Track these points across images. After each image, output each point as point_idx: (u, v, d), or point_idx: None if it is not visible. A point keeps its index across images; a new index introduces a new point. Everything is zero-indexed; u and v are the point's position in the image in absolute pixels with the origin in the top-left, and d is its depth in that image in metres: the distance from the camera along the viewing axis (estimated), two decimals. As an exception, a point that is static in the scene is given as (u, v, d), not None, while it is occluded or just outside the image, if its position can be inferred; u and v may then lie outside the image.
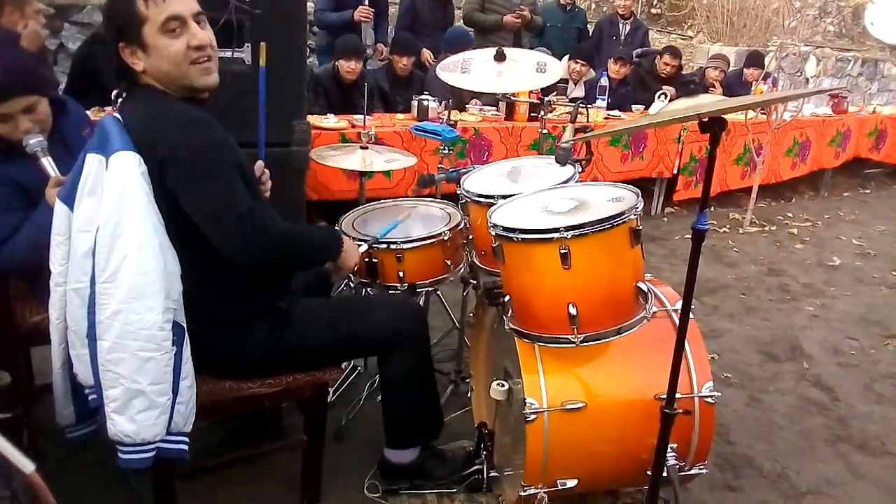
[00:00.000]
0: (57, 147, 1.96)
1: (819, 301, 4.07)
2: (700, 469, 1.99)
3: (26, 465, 1.02)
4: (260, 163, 2.09)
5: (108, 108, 3.50)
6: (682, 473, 1.94)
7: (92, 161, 1.54)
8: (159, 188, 1.57)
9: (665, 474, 1.78)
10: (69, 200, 1.58)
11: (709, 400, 1.91)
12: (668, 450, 1.79)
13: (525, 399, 1.81)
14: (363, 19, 5.05)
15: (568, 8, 6.34)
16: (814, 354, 3.36)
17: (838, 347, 3.47)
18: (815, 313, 3.89)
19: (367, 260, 2.25)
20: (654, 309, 1.91)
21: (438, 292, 2.98)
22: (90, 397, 1.63)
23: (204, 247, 1.63)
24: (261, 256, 1.67)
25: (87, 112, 3.43)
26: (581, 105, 2.56)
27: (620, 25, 6.51)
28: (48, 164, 1.90)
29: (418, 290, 2.33)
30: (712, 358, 3.18)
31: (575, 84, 5.81)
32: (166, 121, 1.58)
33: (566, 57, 5.73)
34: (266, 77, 2.20)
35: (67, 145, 2.04)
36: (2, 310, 1.97)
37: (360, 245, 2.13)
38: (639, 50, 6.53)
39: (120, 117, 1.65)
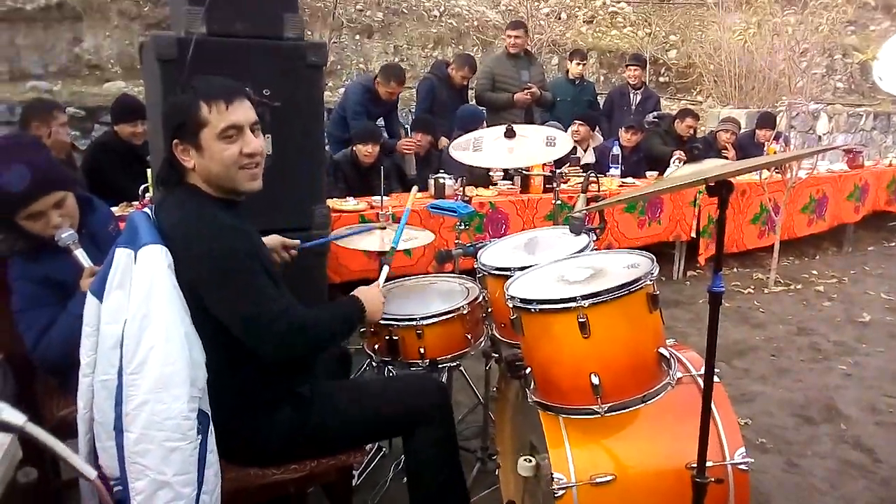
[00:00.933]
0: (85, 242, 2.04)
1: (852, 359, 3.98)
2: (740, 541, 1.92)
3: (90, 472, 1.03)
4: (296, 242, 2.23)
5: (136, 204, 3.64)
6: (721, 546, 1.87)
7: (121, 255, 1.60)
8: (188, 290, 1.62)
9: (702, 547, 1.73)
10: (99, 293, 1.63)
11: (742, 467, 1.85)
12: (704, 521, 1.74)
13: (553, 474, 1.78)
14: (405, 152, 5.23)
15: (577, 82, 6.52)
16: (851, 415, 3.26)
17: (875, 406, 3.36)
18: (849, 372, 3.80)
19: (387, 338, 2.26)
20: (679, 374, 1.89)
21: (461, 368, 2.97)
22: (116, 489, 1.63)
23: (228, 337, 1.67)
24: (294, 352, 1.75)
25: (114, 208, 3.58)
26: (592, 175, 2.62)
27: (631, 95, 6.67)
28: (81, 255, 1.99)
29: (440, 366, 2.33)
30: (745, 423, 3.10)
31: (584, 151, 5.91)
32: (202, 226, 1.66)
33: (571, 127, 5.87)
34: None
35: (95, 240, 2.13)
36: (30, 405, 2.00)
37: (380, 278, 2.13)
38: (653, 115, 6.66)
39: (150, 212, 1.73)
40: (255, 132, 1.75)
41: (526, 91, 5.84)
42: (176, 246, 1.63)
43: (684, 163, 5.70)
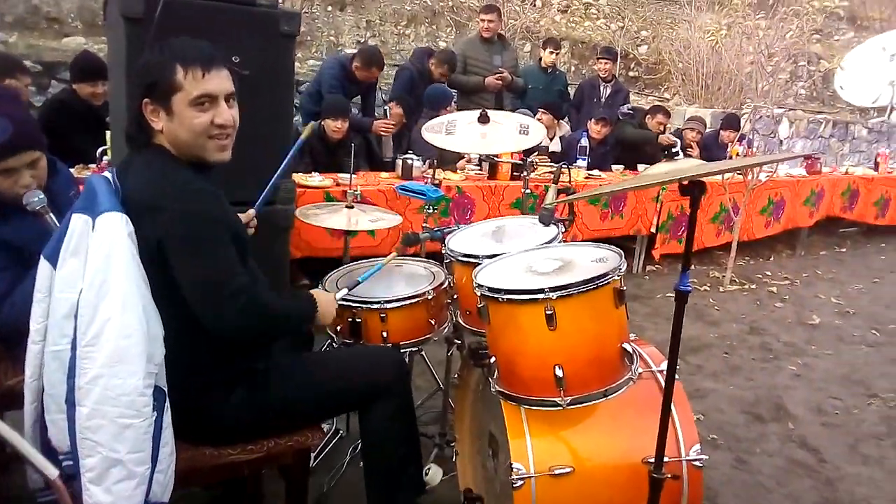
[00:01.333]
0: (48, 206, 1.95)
1: (801, 360, 4.09)
2: (689, 535, 1.95)
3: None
4: (251, 212, 2.19)
5: (93, 167, 3.51)
6: (672, 540, 1.90)
7: (77, 221, 1.53)
8: (154, 253, 1.57)
9: (655, 541, 1.75)
10: (53, 259, 1.56)
11: (697, 464, 1.88)
12: (658, 516, 1.76)
13: (512, 464, 1.78)
14: (384, 133, 5.13)
15: (549, 70, 6.51)
16: (798, 414, 3.35)
17: (822, 407, 3.46)
18: (798, 372, 3.90)
19: (350, 320, 2.23)
20: (640, 370, 1.91)
21: (423, 352, 2.96)
22: (64, 463, 1.57)
23: (187, 310, 1.62)
24: (246, 334, 1.70)
25: (70, 170, 3.45)
26: (564, 166, 2.61)
27: (602, 88, 6.69)
28: (51, 220, 1.90)
29: (402, 350, 2.31)
30: (698, 419, 3.16)
31: (550, 139, 5.92)
32: (170, 188, 1.60)
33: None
34: (300, 148, 2.42)
35: (56, 203, 2.02)
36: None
37: (339, 291, 2.11)
38: (627, 106, 6.71)
39: (110, 176, 1.65)
40: (231, 103, 1.69)
41: (497, 76, 5.82)
42: (141, 207, 1.57)
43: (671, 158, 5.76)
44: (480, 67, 5.91)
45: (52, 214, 1.91)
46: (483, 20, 5.95)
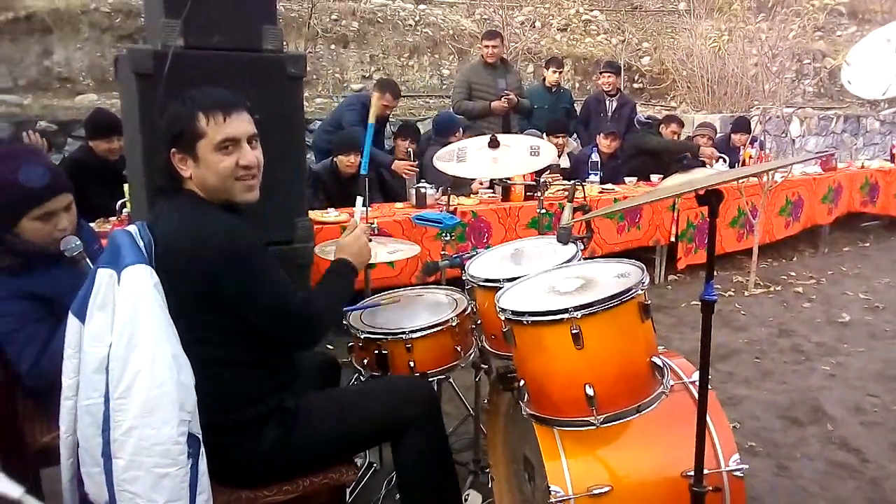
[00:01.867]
0: (71, 272, 1.99)
1: (834, 360, 4.02)
2: (736, 548, 1.91)
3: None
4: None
5: (113, 220, 3.57)
6: (719, 554, 1.86)
7: (103, 275, 1.55)
8: (201, 293, 1.64)
9: (701, 557, 1.72)
10: (80, 314, 1.58)
11: (737, 474, 1.85)
12: (702, 530, 1.73)
13: (549, 487, 1.76)
14: (408, 174, 5.17)
15: (553, 89, 6.54)
16: (836, 415, 3.29)
17: (860, 406, 3.40)
18: (832, 372, 3.83)
19: (376, 352, 2.23)
20: (672, 383, 1.89)
21: (451, 380, 2.95)
22: (104, 517, 1.58)
23: (215, 347, 1.69)
24: (321, 335, 1.87)
25: (93, 224, 3.51)
26: (578, 184, 2.61)
27: (607, 102, 6.70)
28: (87, 265, 1.95)
29: (430, 379, 2.30)
30: (734, 427, 3.11)
31: (559, 156, 5.93)
32: (207, 230, 1.66)
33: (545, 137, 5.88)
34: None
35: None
36: (11, 431, 1.94)
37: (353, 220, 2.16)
38: (643, 116, 6.71)
39: (139, 228, 1.69)
40: (254, 144, 1.75)
41: (503, 98, 5.86)
42: (183, 251, 1.63)
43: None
44: (486, 92, 5.96)
45: (87, 260, 1.97)
46: (486, 46, 6.00)
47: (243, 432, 1.76)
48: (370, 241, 2.11)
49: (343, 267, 1.98)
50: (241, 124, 1.72)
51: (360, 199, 2.23)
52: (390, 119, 6.38)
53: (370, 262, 2.16)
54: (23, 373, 1.92)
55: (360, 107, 5.32)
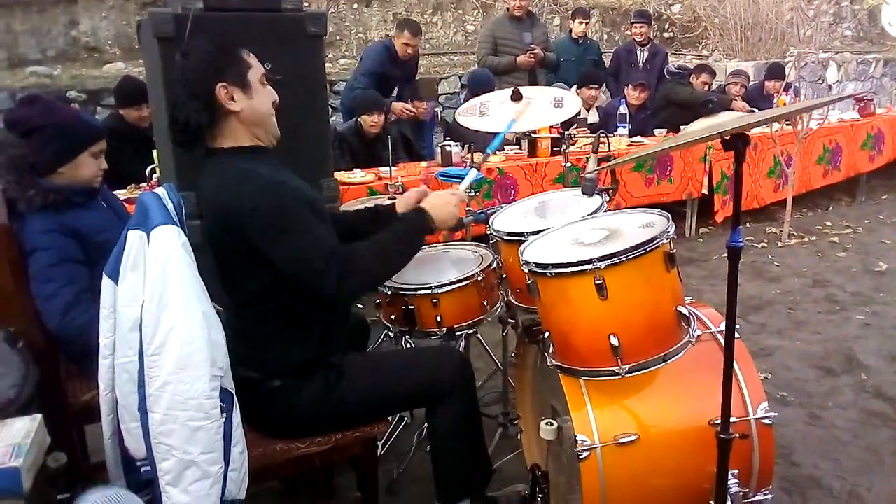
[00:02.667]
0: (106, 211, 2.23)
1: (870, 309, 3.95)
2: (766, 494, 1.92)
3: None
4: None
5: (144, 185, 3.62)
6: (747, 501, 1.87)
7: (133, 237, 1.58)
8: (243, 250, 1.69)
9: (729, 503, 1.73)
10: (114, 275, 1.62)
11: (766, 421, 1.85)
12: (730, 477, 1.74)
13: (576, 436, 1.78)
14: (399, 115, 5.16)
15: (580, 41, 6.41)
16: (871, 364, 3.25)
17: (895, 355, 3.35)
18: (867, 322, 3.77)
19: (403, 308, 2.26)
20: (699, 332, 1.88)
21: (478, 335, 2.98)
22: (143, 469, 1.64)
23: (262, 294, 1.76)
24: (362, 286, 1.81)
25: (122, 191, 3.58)
26: (602, 134, 2.57)
27: (638, 52, 6.55)
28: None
29: (457, 334, 2.33)
30: (765, 377, 3.09)
31: (588, 111, 5.83)
32: (243, 187, 1.70)
33: (574, 87, 5.77)
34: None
35: (117, 210, 2.31)
36: (55, 391, 2.01)
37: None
38: (673, 65, 6.53)
39: (163, 191, 1.72)
40: None
41: (529, 53, 5.75)
42: (221, 207, 1.70)
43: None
44: (511, 46, 5.84)
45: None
46: None
47: (288, 378, 1.81)
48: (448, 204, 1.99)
49: (416, 215, 1.93)
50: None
51: (473, 172, 2.21)
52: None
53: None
54: (54, 325, 1.99)
55: (384, 51, 5.28)
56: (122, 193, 3.51)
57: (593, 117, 5.87)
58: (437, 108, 5.20)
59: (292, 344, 1.82)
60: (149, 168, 3.65)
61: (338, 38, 8.09)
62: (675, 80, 6.28)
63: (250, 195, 1.68)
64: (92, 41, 7.07)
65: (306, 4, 3.60)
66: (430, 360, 2.00)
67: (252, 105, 1.76)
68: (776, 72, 6.50)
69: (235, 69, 1.73)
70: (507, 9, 5.98)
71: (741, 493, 1.80)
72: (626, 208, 2.58)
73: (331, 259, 1.69)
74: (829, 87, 9.03)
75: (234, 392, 1.61)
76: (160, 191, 1.73)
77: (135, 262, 1.57)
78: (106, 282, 1.64)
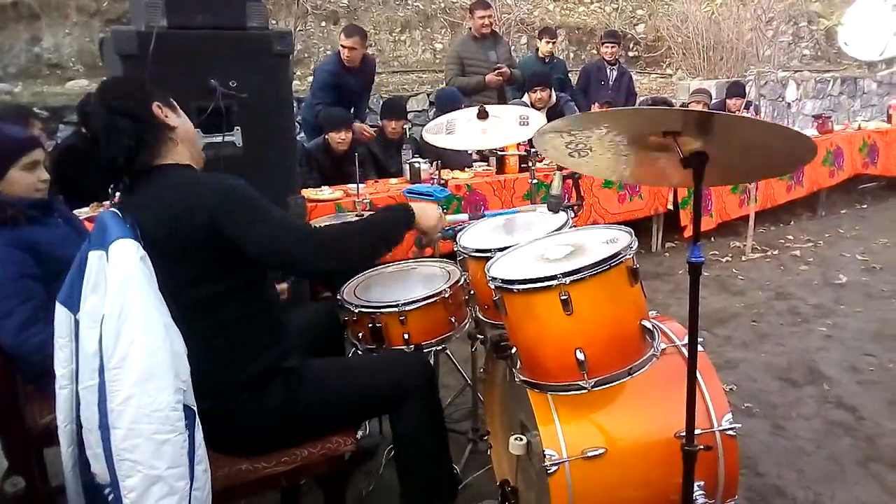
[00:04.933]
0: (61, 224, 2.18)
1: (831, 321, 4.04)
2: (731, 505, 1.94)
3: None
4: None
5: (107, 204, 3.57)
6: (713, 511, 1.89)
7: (93, 258, 1.55)
8: (203, 243, 1.66)
9: (695, 514, 1.75)
10: (69, 302, 1.59)
11: (730, 433, 1.87)
12: (696, 488, 1.76)
13: (544, 451, 1.79)
14: (362, 138, 5.16)
15: (547, 60, 6.49)
16: (833, 375, 3.32)
17: (856, 366, 3.42)
18: (829, 333, 3.86)
19: (370, 325, 2.25)
20: (663, 346, 1.90)
21: (447, 351, 2.97)
22: (110, 497, 1.60)
23: (211, 310, 1.73)
24: (339, 262, 1.78)
25: (85, 209, 3.52)
26: (567, 152, 2.60)
27: (608, 71, 6.67)
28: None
29: (426, 350, 2.32)
30: (731, 389, 3.14)
31: (541, 111, 5.88)
32: (201, 186, 1.71)
33: (533, 95, 5.81)
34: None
35: (75, 227, 2.26)
36: (12, 413, 1.96)
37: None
38: (647, 98, 6.64)
39: (119, 211, 1.69)
40: None
41: (497, 72, 5.81)
42: (183, 209, 1.66)
43: None
44: (478, 65, 5.91)
45: None
46: (480, 17, 5.91)
47: (246, 393, 1.78)
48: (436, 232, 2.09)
49: (398, 208, 1.98)
50: None
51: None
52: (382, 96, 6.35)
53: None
54: (9, 344, 1.94)
55: (333, 62, 5.33)
56: (84, 212, 3.45)
57: (543, 119, 5.90)
58: (405, 126, 5.21)
59: (244, 358, 1.78)
60: (111, 186, 3.59)
61: (305, 55, 8.09)
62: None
63: (214, 190, 1.68)
64: (54, 58, 6.96)
65: (273, 22, 3.61)
66: (392, 363, 2.02)
67: (183, 123, 1.81)
68: (737, 90, 6.65)
69: (160, 93, 1.79)
70: (471, 28, 6.04)
71: (707, 504, 1.82)
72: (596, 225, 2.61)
73: (308, 236, 1.72)
74: (789, 104, 9.27)
75: (195, 410, 1.58)
76: (117, 209, 1.71)
77: (95, 283, 1.54)
78: (60, 309, 1.60)
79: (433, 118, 5.03)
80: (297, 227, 1.75)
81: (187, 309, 1.65)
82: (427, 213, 2.01)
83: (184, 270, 1.69)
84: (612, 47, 6.66)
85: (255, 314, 1.81)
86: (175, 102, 1.83)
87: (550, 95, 5.80)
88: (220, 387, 1.74)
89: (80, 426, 1.60)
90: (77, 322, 1.57)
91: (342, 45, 5.28)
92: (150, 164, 1.74)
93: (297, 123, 5.28)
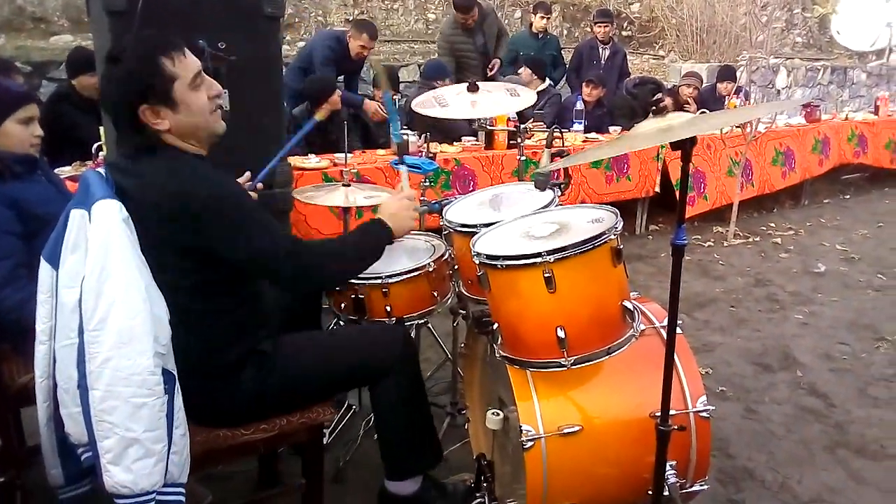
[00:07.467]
0: (46, 185, 2.14)
1: (808, 309, 4.10)
2: (701, 485, 1.98)
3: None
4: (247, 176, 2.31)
5: (90, 163, 3.52)
6: (684, 491, 1.93)
7: (75, 216, 1.54)
8: (187, 241, 1.63)
9: (666, 493, 1.78)
10: (52, 259, 1.57)
11: (704, 415, 1.90)
12: (668, 467, 1.79)
13: (521, 426, 1.81)
14: (375, 117, 5.16)
15: (540, 36, 6.45)
16: (806, 362, 3.37)
17: (830, 353, 3.48)
18: (805, 321, 3.92)
19: (353, 297, 2.25)
20: (642, 327, 1.92)
21: (429, 325, 2.99)
22: (84, 456, 1.60)
23: (189, 297, 1.67)
24: (323, 281, 1.89)
25: (67, 168, 3.47)
26: (555, 130, 2.60)
27: (600, 50, 6.63)
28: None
29: (407, 324, 2.33)
30: (706, 372, 3.19)
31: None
32: (195, 177, 1.63)
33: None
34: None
35: (56, 184, 2.22)
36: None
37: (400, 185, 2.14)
38: (636, 78, 6.63)
39: (106, 170, 1.66)
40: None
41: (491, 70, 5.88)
42: (175, 196, 1.60)
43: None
44: (465, 50, 5.93)
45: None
46: (463, 18, 5.85)
47: (221, 379, 1.77)
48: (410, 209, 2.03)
49: (375, 226, 1.94)
50: (192, 56, 1.68)
51: (403, 170, 2.19)
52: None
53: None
54: None
55: (336, 43, 5.22)
56: (66, 171, 3.40)
57: (534, 96, 5.92)
58: (396, 97, 5.17)
59: (220, 349, 1.77)
60: (95, 145, 3.54)
61: (296, 20, 7.97)
62: (623, 95, 6.37)
63: (210, 184, 1.63)
64: (38, 11, 6.80)
65: (264, -15, 3.54)
66: (371, 336, 2.02)
67: (182, 121, 1.65)
68: (728, 74, 6.65)
69: (159, 88, 1.60)
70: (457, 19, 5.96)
71: (678, 484, 1.86)
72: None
73: (289, 254, 1.71)
74: (778, 91, 9.29)
75: (175, 373, 1.58)
76: (102, 169, 1.69)
77: (76, 242, 1.52)
78: (44, 265, 1.59)
79: (419, 88, 5.01)
80: (279, 247, 1.70)
81: (163, 284, 1.61)
82: (402, 224, 1.97)
83: (166, 252, 1.64)
84: (605, 27, 6.61)
85: (230, 303, 1.78)
86: (182, 88, 1.62)
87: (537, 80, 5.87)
88: (193, 371, 1.69)
89: (55, 384, 1.60)
90: (58, 279, 1.56)
91: (360, 44, 5.19)
92: (158, 142, 1.67)
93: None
